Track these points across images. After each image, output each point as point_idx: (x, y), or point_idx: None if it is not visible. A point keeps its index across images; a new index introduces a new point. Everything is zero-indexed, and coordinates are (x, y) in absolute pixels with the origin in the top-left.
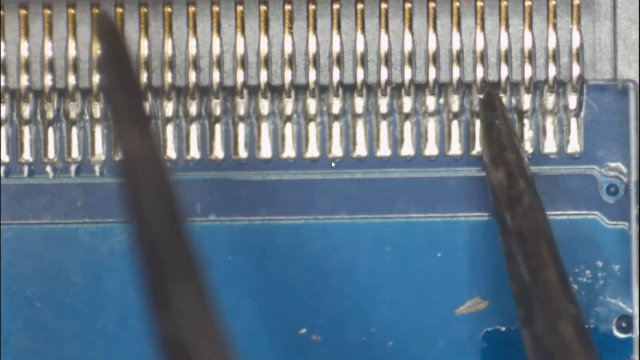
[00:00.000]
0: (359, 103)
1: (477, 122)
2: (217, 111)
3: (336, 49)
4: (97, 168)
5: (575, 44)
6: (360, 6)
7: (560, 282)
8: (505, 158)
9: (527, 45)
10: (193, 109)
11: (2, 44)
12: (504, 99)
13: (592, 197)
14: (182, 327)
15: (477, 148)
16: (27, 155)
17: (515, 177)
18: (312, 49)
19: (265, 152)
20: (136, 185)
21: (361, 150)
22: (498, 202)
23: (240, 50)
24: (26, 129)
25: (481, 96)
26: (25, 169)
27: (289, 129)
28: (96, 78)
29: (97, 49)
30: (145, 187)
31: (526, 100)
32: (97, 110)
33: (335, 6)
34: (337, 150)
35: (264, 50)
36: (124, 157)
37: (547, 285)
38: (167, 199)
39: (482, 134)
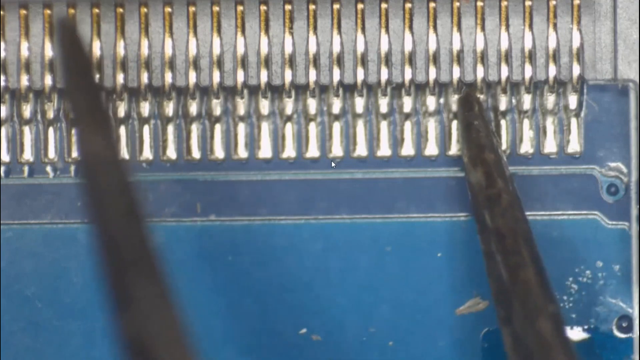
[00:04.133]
0: (359, 103)
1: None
2: (218, 111)
3: (336, 48)
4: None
5: (576, 43)
6: (360, 6)
7: (539, 281)
8: (484, 158)
9: (528, 45)
10: (193, 109)
11: (2, 43)
12: (504, 99)
13: (593, 197)
14: (143, 327)
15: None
16: (27, 155)
17: (494, 176)
18: (313, 48)
19: (266, 152)
20: (96, 186)
21: (361, 150)
22: (477, 202)
23: (240, 50)
24: (26, 129)
25: (459, 96)
26: (26, 168)
27: (289, 129)
28: (96, 78)
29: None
30: (104, 187)
31: (526, 100)
32: None
33: (336, 6)
34: (337, 150)
35: (264, 50)
36: (83, 158)
37: (525, 283)
38: (127, 199)
39: (461, 134)
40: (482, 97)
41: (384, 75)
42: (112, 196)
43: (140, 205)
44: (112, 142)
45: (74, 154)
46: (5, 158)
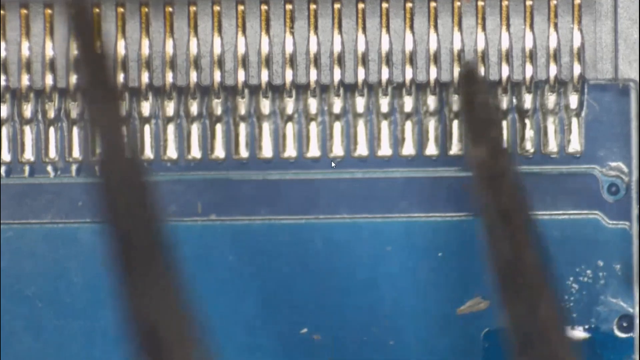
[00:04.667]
0: (360, 102)
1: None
2: (218, 111)
3: (337, 48)
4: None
5: (576, 43)
6: (361, 6)
7: (541, 261)
8: (488, 134)
9: (528, 44)
10: (194, 108)
11: (3, 43)
12: (505, 99)
13: (593, 196)
14: (153, 314)
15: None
16: (28, 155)
17: (497, 154)
18: (313, 48)
19: (266, 151)
20: (113, 185)
21: (362, 149)
22: (480, 179)
23: (241, 49)
24: (27, 129)
25: (460, 70)
26: (26, 168)
27: (290, 129)
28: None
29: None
30: (121, 187)
31: (527, 100)
32: None
33: (336, 6)
34: (338, 150)
35: (265, 49)
36: (101, 157)
37: (527, 264)
38: (143, 198)
39: (463, 110)
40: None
41: (385, 74)
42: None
43: (156, 204)
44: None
45: (75, 153)
46: (6, 158)
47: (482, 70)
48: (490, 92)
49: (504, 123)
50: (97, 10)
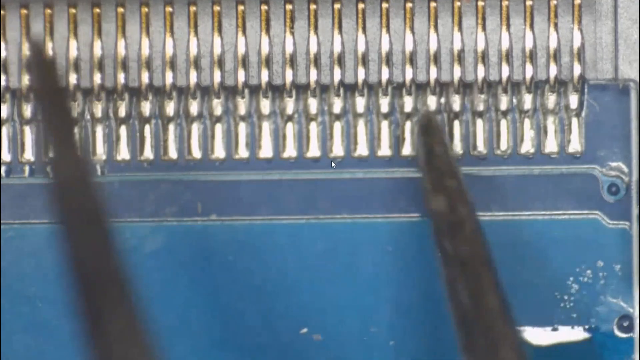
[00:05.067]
0: (360, 102)
1: (478, 122)
2: (218, 111)
3: (337, 48)
4: (98, 167)
5: (576, 43)
6: (361, 6)
7: (501, 308)
8: (446, 185)
9: (528, 44)
10: (194, 108)
11: (2, 43)
12: (505, 99)
13: (593, 196)
14: (113, 352)
15: (479, 147)
16: (28, 155)
17: (457, 204)
18: (313, 48)
19: (267, 151)
20: (65, 205)
21: (362, 149)
22: (438, 229)
23: (241, 49)
24: (27, 129)
25: (418, 120)
26: (27, 168)
27: (290, 129)
28: (97, 77)
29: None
30: (69, 187)
31: (527, 100)
32: (98, 110)
33: (336, 6)
34: (338, 150)
35: (265, 49)
36: (53, 179)
37: (488, 311)
38: (96, 221)
39: (422, 160)
40: (482, 97)
41: (385, 74)
42: (77, 201)
43: (109, 225)
44: (82, 163)
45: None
46: (6, 158)
47: (438, 120)
48: (448, 142)
49: (504, 125)
50: (98, 10)
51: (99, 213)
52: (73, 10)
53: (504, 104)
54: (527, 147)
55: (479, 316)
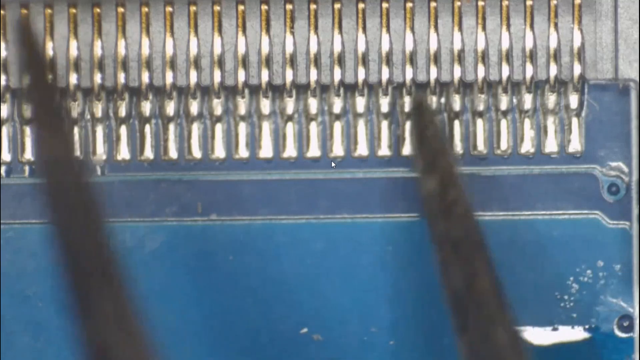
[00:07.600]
0: (360, 102)
1: (478, 122)
2: (219, 111)
3: (337, 48)
4: (98, 167)
5: (577, 43)
6: (361, 5)
7: (495, 290)
8: (438, 165)
9: (528, 44)
10: (194, 108)
11: (3, 43)
12: (505, 99)
13: (593, 196)
14: (106, 336)
15: (480, 147)
16: (28, 155)
17: (449, 185)
18: (313, 48)
19: (267, 151)
20: (53, 190)
21: (362, 149)
22: (430, 210)
23: (241, 49)
24: (27, 129)
25: (411, 101)
26: (27, 168)
27: (290, 129)
28: (97, 77)
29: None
30: (61, 190)
31: (527, 100)
32: (98, 109)
33: (337, 5)
34: (338, 150)
35: (265, 49)
36: (41, 160)
37: (482, 292)
38: (85, 202)
39: (414, 141)
40: (482, 96)
41: (385, 74)
42: (69, 199)
43: (99, 207)
44: (69, 145)
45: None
46: (6, 157)
47: (431, 101)
48: (440, 123)
49: (504, 124)
50: (98, 10)
51: (87, 202)
52: (73, 10)
53: (504, 104)
54: (527, 147)
55: (472, 297)
